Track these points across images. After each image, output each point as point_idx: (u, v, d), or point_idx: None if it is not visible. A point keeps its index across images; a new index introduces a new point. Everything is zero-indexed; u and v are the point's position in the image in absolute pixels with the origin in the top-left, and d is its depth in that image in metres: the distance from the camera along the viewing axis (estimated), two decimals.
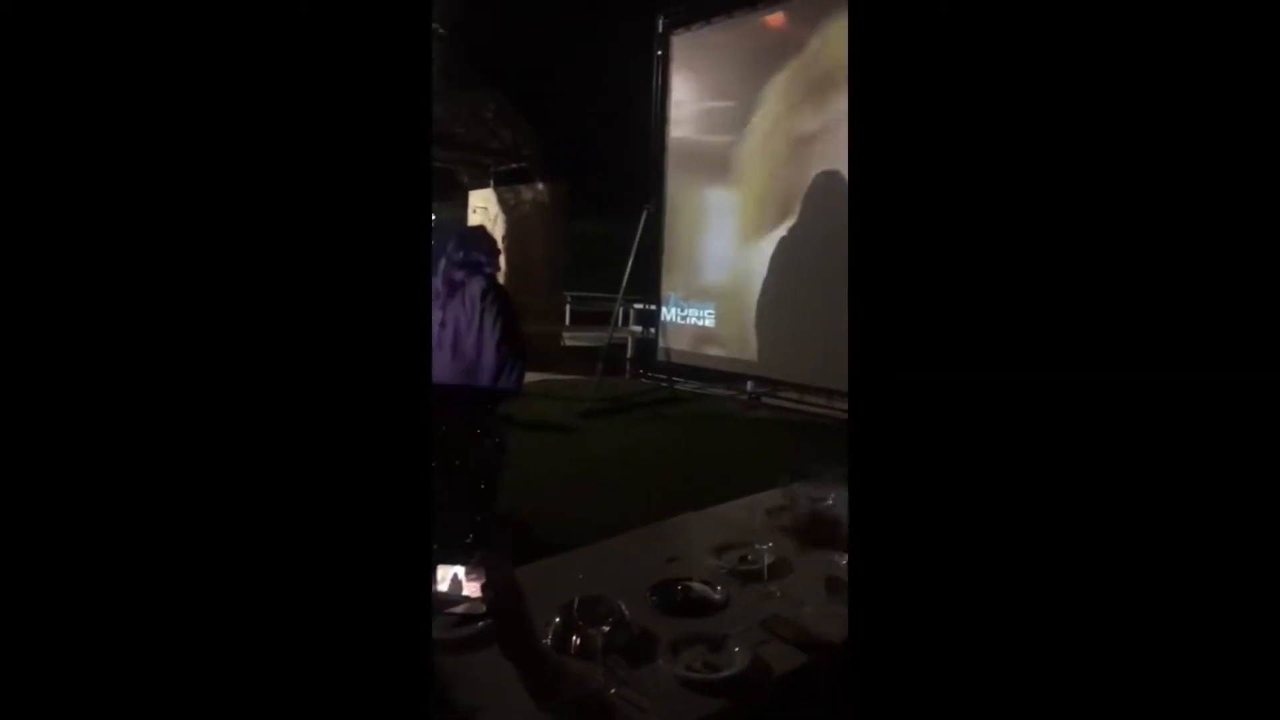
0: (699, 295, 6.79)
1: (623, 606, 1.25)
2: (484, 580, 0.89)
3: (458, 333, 2.67)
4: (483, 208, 9.34)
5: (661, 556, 1.61)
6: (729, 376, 6.63)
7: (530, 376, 3.00)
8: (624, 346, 7.81)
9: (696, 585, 1.44)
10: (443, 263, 2.77)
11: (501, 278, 2.94)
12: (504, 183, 9.21)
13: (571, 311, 11.29)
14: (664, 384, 6.66)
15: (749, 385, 6.48)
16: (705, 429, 5.43)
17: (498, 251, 2.93)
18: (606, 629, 1.11)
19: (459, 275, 2.72)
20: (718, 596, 1.40)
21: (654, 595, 1.39)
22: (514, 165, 9.13)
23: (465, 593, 0.89)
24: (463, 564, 0.90)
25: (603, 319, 8.63)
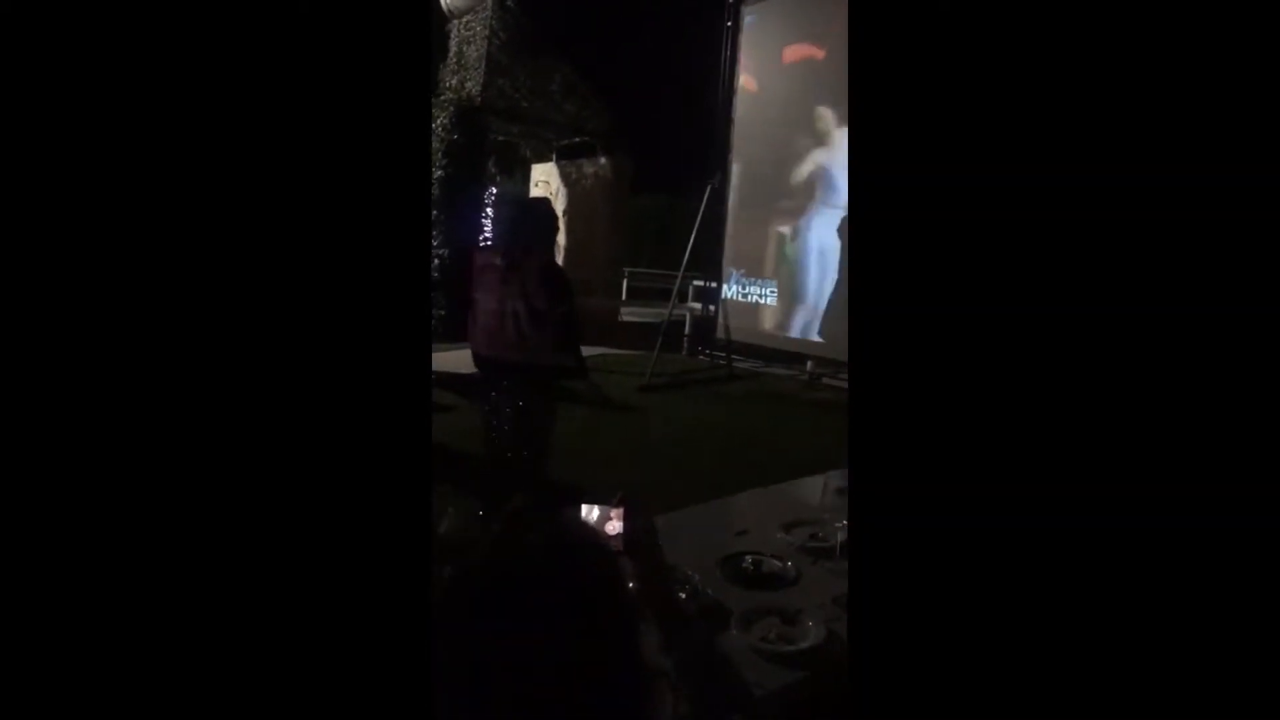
0: (761, 273, 6.72)
1: (694, 575, 1.26)
2: (625, 519, 0.92)
3: (516, 310, 2.69)
4: (544, 181, 9.37)
5: (730, 530, 1.61)
6: (788, 355, 6.56)
7: (586, 350, 3.01)
8: (682, 323, 7.79)
9: (767, 559, 1.44)
10: (502, 236, 2.78)
11: (560, 253, 2.94)
12: (566, 157, 9.20)
13: (629, 287, 11.29)
14: (722, 362, 6.62)
15: (809, 365, 6.40)
16: (765, 408, 5.39)
17: (556, 228, 2.93)
18: (683, 595, 1.13)
19: (517, 251, 2.74)
20: (789, 571, 1.40)
21: (724, 567, 1.39)
22: (577, 139, 9.10)
23: (608, 530, 0.92)
24: (604, 503, 0.94)
25: (659, 295, 8.59)
